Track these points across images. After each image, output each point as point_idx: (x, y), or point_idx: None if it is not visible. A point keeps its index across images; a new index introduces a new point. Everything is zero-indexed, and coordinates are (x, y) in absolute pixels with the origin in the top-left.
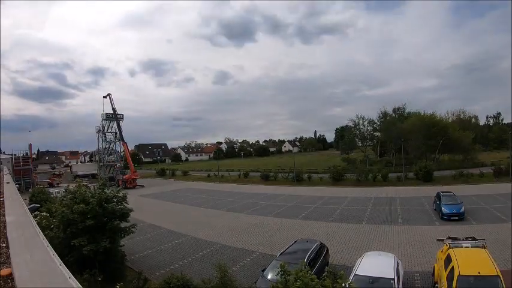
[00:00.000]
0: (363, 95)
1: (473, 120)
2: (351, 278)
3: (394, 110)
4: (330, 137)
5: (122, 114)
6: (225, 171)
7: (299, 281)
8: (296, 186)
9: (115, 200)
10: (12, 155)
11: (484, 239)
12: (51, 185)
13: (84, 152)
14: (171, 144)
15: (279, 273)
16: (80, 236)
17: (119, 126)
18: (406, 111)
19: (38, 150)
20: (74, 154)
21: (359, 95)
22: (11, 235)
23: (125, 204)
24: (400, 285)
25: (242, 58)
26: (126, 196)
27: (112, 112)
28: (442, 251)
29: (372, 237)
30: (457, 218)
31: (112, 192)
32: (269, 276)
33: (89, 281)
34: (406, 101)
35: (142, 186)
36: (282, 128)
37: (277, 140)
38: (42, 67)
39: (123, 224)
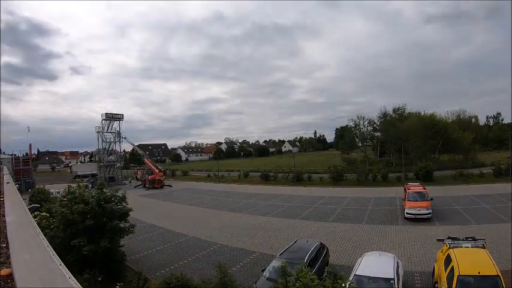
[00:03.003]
0: None
1: (473, 120)
2: (351, 278)
3: (394, 110)
4: (330, 137)
5: (122, 114)
6: (225, 171)
7: (299, 282)
8: (296, 186)
9: (114, 200)
10: (12, 155)
11: (484, 239)
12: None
13: (84, 152)
14: (171, 144)
15: (280, 274)
16: (79, 236)
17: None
18: (406, 111)
19: (38, 150)
20: (73, 154)
21: None
22: (11, 235)
23: (124, 204)
24: (400, 285)
25: None
26: (125, 196)
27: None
28: (442, 251)
29: (372, 237)
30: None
31: (110, 192)
32: (269, 276)
33: (88, 281)
34: None
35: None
36: None
37: (277, 140)
38: None
39: (122, 224)
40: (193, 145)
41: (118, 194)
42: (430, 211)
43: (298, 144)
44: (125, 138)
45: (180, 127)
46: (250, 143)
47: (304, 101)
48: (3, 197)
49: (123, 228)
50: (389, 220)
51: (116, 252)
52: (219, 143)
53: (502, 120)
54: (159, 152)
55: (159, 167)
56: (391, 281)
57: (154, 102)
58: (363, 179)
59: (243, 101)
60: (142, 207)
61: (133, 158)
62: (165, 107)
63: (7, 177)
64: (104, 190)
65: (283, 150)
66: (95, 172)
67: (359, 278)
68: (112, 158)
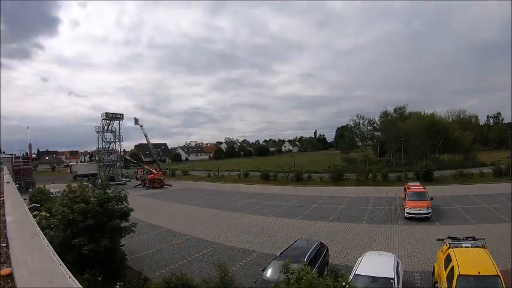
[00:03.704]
0: None
1: (473, 120)
2: (351, 277)
3: (395, 110)
4: (330, 136)
5: (122, 114)
6: (225, 171)
7: (303, 280)
8: (296, 186)
9: (115, 200)
10: (12, 154)
11: (484, 239)
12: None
13: (84, 152)
14: (170, 143)
15: (282, 271)
16: (80, 235)
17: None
18: (407, 111)
19: (38, 150)
20: (73, 154)
21: None
22: (11, 235)
23: (125, 204)
24: (400, 285)
25: None
26: (126, 196)
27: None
28: (442, 251)
29: (372, 237)
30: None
31: (113, 192)
32: (269, 276)
33: (89, 280)
34: None
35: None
36: None
37: (277, 140)
38: None
39: (123, 224)
40: (193, 145)
41: (120, 194)
42: (430, 211)
43: (298, 143)
44: (141, 126)
45: (178, 124)
46: (251, 142)
47: (308, 97)
48: (3, 197)
49: (123, 227)
50: (390, 220)
51: (116, 251)
52: (219, 143)
53: (502, 120)
54: (159, 151)
55: (161, 167)
56: (391, 281)
57: (147, 93)
58: (362, 179)
59: (245, 100)
60: (142, 207)
61: (133, 158)
62: (159, 98)
63: (7, 177)
64: (107, 190)
65: (283, 150)
66: (95, 172)
67: (359, 277)
68: (112, 157)
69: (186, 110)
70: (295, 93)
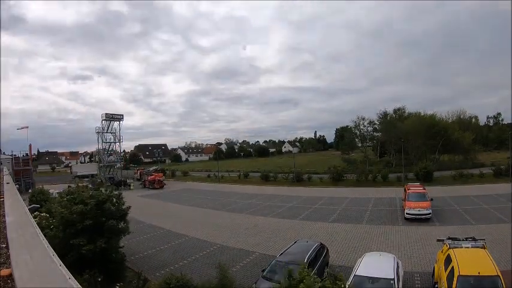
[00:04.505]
0: None
1: (473, 120)
2: (351, 278)
3: (395, 111)
4: (330, 137)
5: (122, 115)
6: (225, 171)
7: (302, 284)
8: (296, 186)
9: (112, 201)
10: (12, 155)
11: (484, 239)
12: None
13: (84, 153)
14: (171, 144)
15: (285, 275)
16: (79, 236)
17: None
18: (407, 111)
19: (38, 150)
20: (73, 154)
21: None
22: (11, 235)
23: (121, 203)
24: (400, 286)
25: None
26: (121, 195)
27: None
28: (442, 251)
29: (372, 238)
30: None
31: (107, 192)
32: (269, 277)
33: (88, 281)
34: None
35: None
36: None
37: (277, 141)
38: None
39: (120, 225)
40: (193, 145)
41: (112, 194)
42: (430, 211)
43: (298, 144)
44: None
45: (177, 123)
46: (250, 143)
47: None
48: (3, 198)
49: (120, 228)
50: (390, 220)
51: (112, 252)
52: (219, 144)
53: (502, 120)
54: (159, 152)
55: (157, 168)
56: (391, 282)
57: (135, 79)
58: (362, 180)
59: (251, 92)
60: (143, 208)
61: (133, 159)
62: (151, 89)
63: (7, 178)
64: (102, 190)
65: (283, 151)
66: (95, 172)
67: (359, 278)
68: (112, 158)
69: (185, 106)
70: (302, 87)
